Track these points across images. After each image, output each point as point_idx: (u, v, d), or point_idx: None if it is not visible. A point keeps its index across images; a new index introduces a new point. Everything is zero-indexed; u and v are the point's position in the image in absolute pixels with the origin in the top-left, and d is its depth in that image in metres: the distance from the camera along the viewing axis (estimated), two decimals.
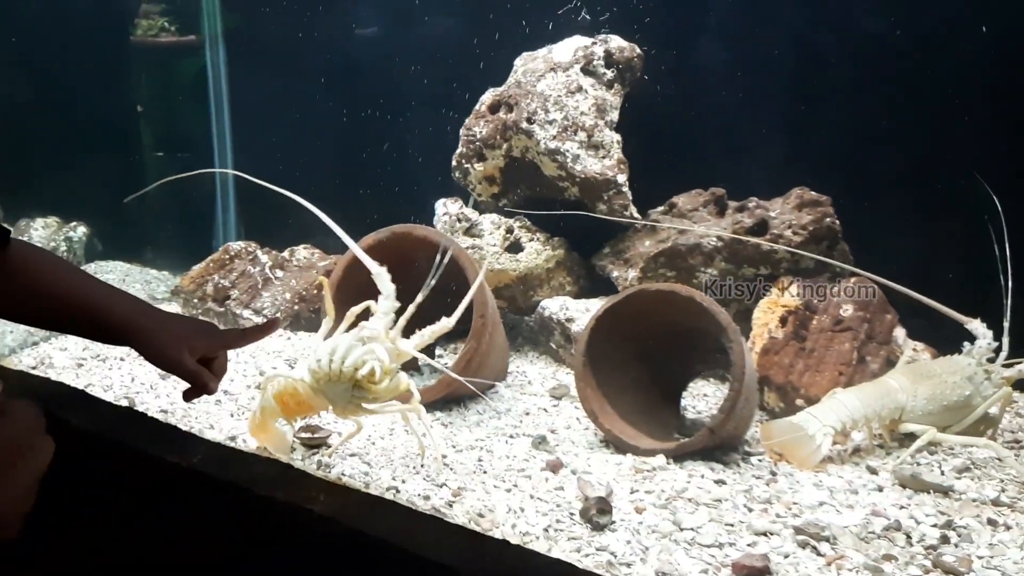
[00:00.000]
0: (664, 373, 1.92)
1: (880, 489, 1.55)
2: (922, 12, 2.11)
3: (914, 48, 2.14)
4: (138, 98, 3.49)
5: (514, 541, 1.29)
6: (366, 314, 1.51)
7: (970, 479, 1.61)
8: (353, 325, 1.52)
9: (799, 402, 1.87)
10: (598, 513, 1.42)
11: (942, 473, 1.63)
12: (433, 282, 1.52)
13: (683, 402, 1.99)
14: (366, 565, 1.23)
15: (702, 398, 2.09)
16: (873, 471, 1.64)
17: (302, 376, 1.51)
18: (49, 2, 3.46)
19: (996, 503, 1.50)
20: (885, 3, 2.17)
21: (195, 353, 1.24)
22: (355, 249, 1.59)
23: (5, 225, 1.12)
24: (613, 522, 1.41)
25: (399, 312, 1.49)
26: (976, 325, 1.77)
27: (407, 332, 1.51)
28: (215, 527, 1.45)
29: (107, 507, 1.62)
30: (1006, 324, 1.76)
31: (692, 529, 1.38)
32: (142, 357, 1.21)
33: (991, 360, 1.75)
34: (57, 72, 3.42)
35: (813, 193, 2.12)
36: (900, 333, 1.96)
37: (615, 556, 1.30)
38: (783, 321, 1.98)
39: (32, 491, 0.80)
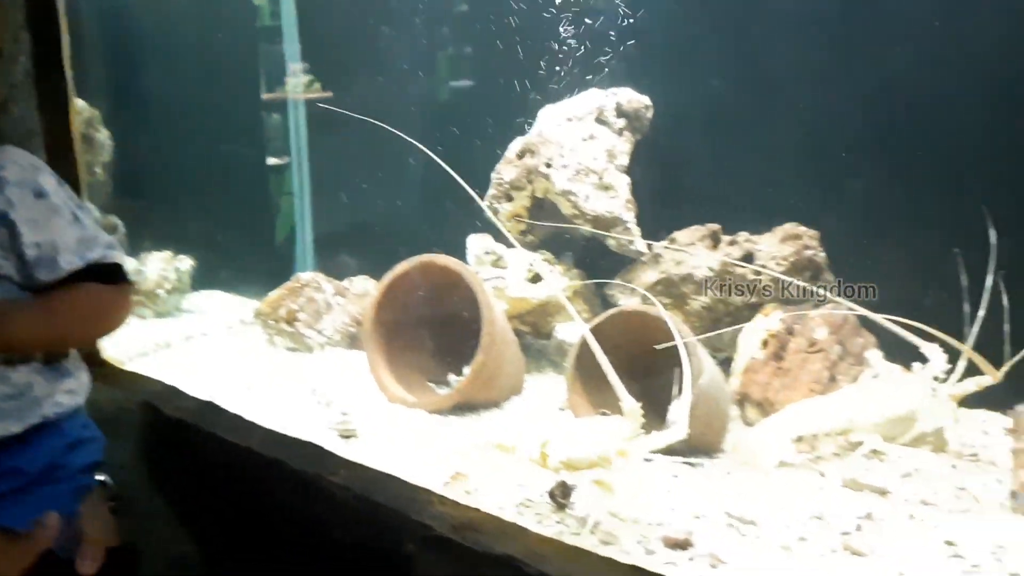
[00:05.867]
0: (650, 385, 2.16)
1: (822, 489, 1.75)
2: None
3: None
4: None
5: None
6: None
7: (909, 484, 1.78)
8: None
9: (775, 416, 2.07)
10: (562, 495, 1.69)
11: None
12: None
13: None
14: (350, 512, 1.56)
15: None
16: (822, 475, 1.83)
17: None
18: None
19: (925, 503, 1.68)
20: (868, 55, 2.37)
21: None
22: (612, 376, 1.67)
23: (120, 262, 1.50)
24: (574, 503, 1.67)
25: None
26: (931, 349, 1.92)
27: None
28: (260, 493, 1.84)
29: (188, 473, 2.03)
30: (965, 347, 1.89)
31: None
32: None
33: (942, 381, 1.90)
34: (185, 118, 3.95)
35: (801, 228, 2.32)
36: (875, 355, 2.12)
37: (567, 527, 1.57)
38: (764, 344, 2.18)
39: None
